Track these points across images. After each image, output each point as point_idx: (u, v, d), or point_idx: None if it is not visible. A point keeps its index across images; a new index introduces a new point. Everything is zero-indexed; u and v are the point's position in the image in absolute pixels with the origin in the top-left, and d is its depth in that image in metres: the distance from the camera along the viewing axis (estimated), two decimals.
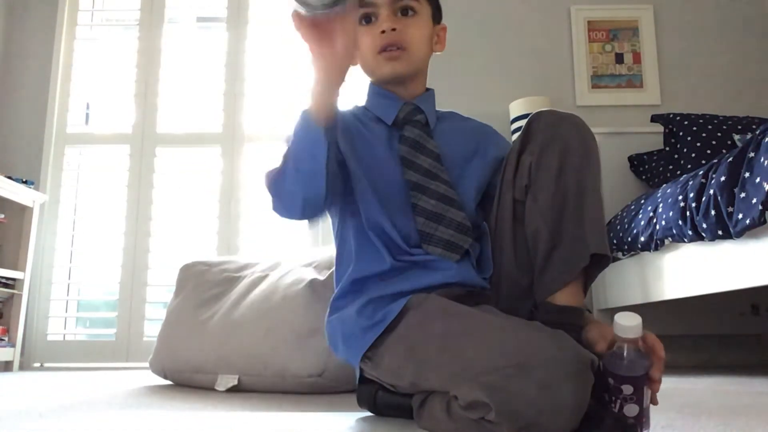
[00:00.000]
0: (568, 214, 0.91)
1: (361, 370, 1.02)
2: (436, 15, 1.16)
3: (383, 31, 1.06)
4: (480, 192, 1.11)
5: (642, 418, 0.79)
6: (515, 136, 2.59)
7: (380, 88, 1.15)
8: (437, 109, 1.18)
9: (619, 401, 0.78)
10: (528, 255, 0.98)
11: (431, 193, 1.03)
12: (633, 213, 2.12)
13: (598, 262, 0.92)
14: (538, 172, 0.93)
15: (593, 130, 0.97)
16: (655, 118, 2.55)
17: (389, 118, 1.12)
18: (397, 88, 1.13)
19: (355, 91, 1.23)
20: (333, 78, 0.85)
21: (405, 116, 1.11)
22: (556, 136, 0.92)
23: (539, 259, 0.93)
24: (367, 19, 1.09)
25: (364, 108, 1.18)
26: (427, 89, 1.18)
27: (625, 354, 0.78)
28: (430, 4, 1.13)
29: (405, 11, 1.09)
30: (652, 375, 0.79)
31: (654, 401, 0.81)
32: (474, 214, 1.08)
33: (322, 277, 1.66)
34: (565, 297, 0.91)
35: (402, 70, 1.10)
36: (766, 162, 1.36)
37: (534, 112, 0.98)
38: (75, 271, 2.87)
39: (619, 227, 2.20)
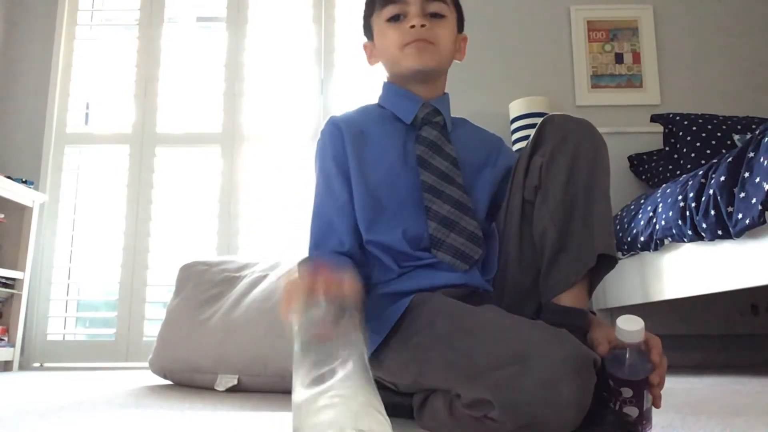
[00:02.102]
0: (576, 215, 0.91)
1: None
2: (460, 24, 1.17)
3: (413, 26, 1.07)
4: (490, 202, 1.11)
5: (642, 420, 0.79)
6: (515, 136, 2.61)
7: (399, 87, 1.14)
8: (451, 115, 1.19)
9: (618, 403, 0.78)
10: (533, 256, 0.98)
11: (446, 198, 1.03)
12: (633, 213, 2.12)
13: (605, 264, 0.92)
14: (549, 173, 0.94)
15: None
16: (654, 118, 2.55)
17: (408, 117, 1.12)
18: (416, 86, 1.13)
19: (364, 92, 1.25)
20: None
21: (424, 116, 1.11)
22: (567, 138, 0.93)
23: (546, 260, 0.94)
24: (396, 17, 1.09)
25: (378, 105, 1.17)
26: (444, 93, 1.18)
27: (626, 357, 0.78)
28: (456, 12, 1.14)
29: (434, 15, 1.09)
30: (651, 380, 0.79)
31: (657, 404, 0.81)
32: (484, 223, 1.07)
33: None
34: (570, 298, 0.91)
35: (427, 64, 1.09)
36: (765, 162, 1.36)
37: (547, 114, 0.99)
38: (75, 271, 2.86)
39: (618, 227, 2.21)
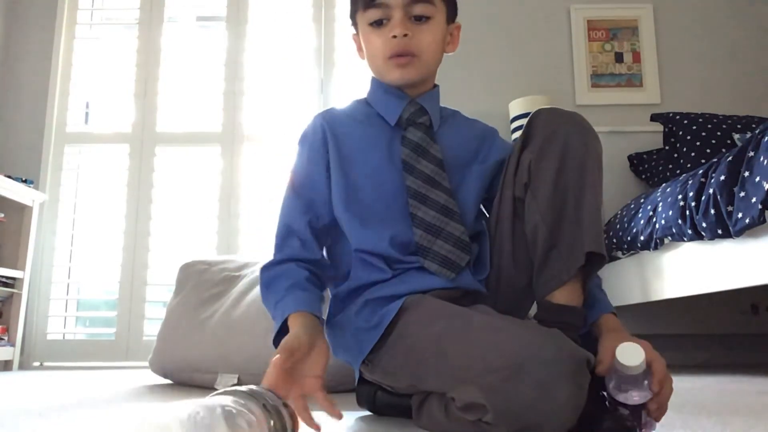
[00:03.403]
0: (567, 212, 0.90)
1: (360, 372, 1.02)
2: (451, 14, 1.12)
3: (395, 36, 1.03)
4: (480, 200, 1.09)
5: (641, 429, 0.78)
6: (515, 136, 2.61)
7: (385, 84, 1.11)
8: (441, 105, 1.16)
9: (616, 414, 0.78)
10: (526, 254, 0.97)
11: (431, 203, 1.01)
12: (632, 212, 2.12)
13: (596, 261, 0.91)
14: (538, 169, 0.92)
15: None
16: (654, 118, 2.55)
17: (392, 118, 1.09)
18: (404, 87, 1.10)
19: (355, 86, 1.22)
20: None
21: (409, 117, 1.08)
22: (556, 133, 0.91)
23: (538, 258, 0.93)
24: (379, 21, 1.06)
25: (365, 102, 1.15)
26: (434, 86, 1.15)
27: (622, 384, 0.76)
28: (445, 4, 1.10)
29: (419, 18, 1.05)
30: (648, 405, 0.77)
31: (657, 419, 0.80)
32: (473, 224, 1.06)
33: None
34: (563, 296, 0.90)
35: (411, 78, 1.07)
36: (765, 161, 1.36)
37: (535, 110, 0.98)
38: (75, 270, 2.86)
39: (618, 226, 2.20)
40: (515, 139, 2.60)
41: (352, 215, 1.05)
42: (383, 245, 1.01)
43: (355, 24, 1.14)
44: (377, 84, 1.13)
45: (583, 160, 0.90)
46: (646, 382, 0.76)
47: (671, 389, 0.80)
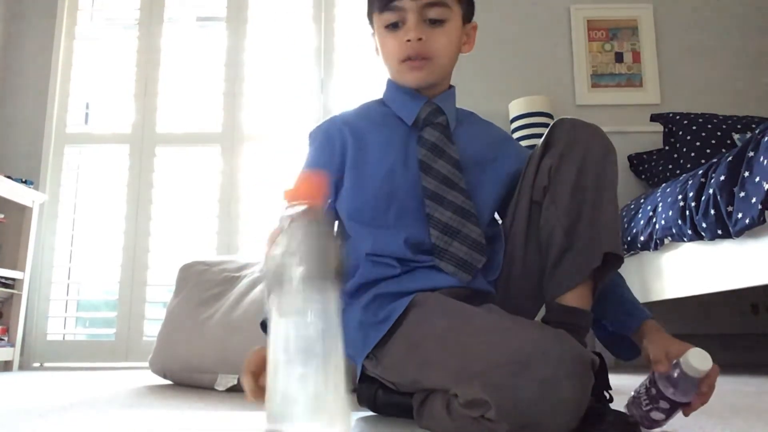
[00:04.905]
0: (584, 217, 0.92)
1: (363, 369, 1.02)
2: (468, 14, 1.13)
3: (409, 40, 1.04)
4: (495, 205, 1.10)
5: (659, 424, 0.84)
6: (515, 135, 2.61)
7: (402, 86, 1.11)
8: (457, 107, 1.16)
9: (650, 406, 0.83)
10: (538, 258, 0.98)
11: (447, 204, 1.01)
12: (632, 212, 2.12)
13: (611, 264, 0.92)
14: (558, 174, 0.94)
15: None
16: (654, 118, 2.55)
17: (409, 118, 1.09)
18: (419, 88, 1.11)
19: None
20: None
21: (426, 117, 1.08)
22: (577, 141, 0.94)
23: (552, 259, 0.94)
24: (394, 24, 1.06)
25: (381, 102, 1.15)
26: (450, 86, 1.15)
27: (679, 382, 0.80)
28: (461, 5, 1.10)
29: (433, 21, 1.05)
30: (692, 403, 0.82)
31: (685, 414, 0.85)
32: (489, 226, 1.07)
33: None
34: (573, 298, 0.91)
35: (425, 81, 1.08)
36: (765, 161, 1.36)
37: (555, 118, 1.00)
38: (74, 270, 2.86)
39: None
40: (515, 140, 2.61)
41: (362, 224, 1.05)
42: (397, 246, 1.01)
43: (371, 24, 1.15)
44: (393, 85, 1.14)
45: (602, 166, 0.93)
46: (697, 385, 0.82)
47: (713, 392, 0.85)
